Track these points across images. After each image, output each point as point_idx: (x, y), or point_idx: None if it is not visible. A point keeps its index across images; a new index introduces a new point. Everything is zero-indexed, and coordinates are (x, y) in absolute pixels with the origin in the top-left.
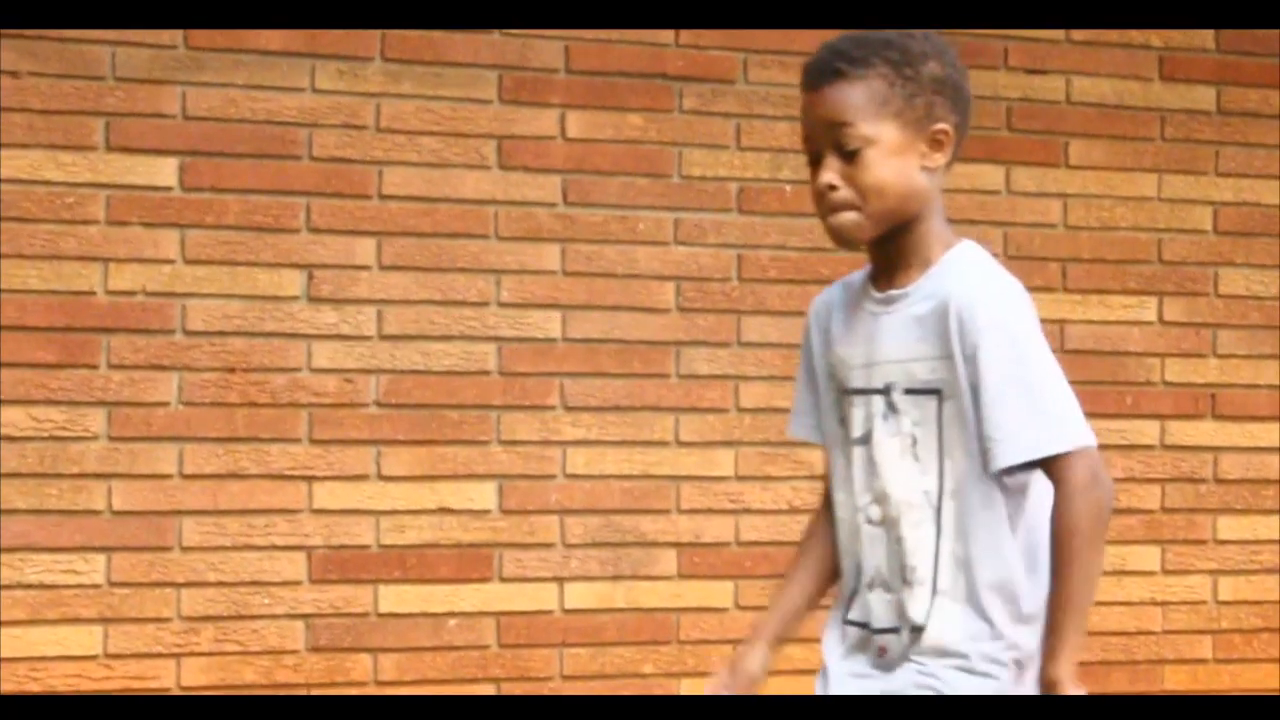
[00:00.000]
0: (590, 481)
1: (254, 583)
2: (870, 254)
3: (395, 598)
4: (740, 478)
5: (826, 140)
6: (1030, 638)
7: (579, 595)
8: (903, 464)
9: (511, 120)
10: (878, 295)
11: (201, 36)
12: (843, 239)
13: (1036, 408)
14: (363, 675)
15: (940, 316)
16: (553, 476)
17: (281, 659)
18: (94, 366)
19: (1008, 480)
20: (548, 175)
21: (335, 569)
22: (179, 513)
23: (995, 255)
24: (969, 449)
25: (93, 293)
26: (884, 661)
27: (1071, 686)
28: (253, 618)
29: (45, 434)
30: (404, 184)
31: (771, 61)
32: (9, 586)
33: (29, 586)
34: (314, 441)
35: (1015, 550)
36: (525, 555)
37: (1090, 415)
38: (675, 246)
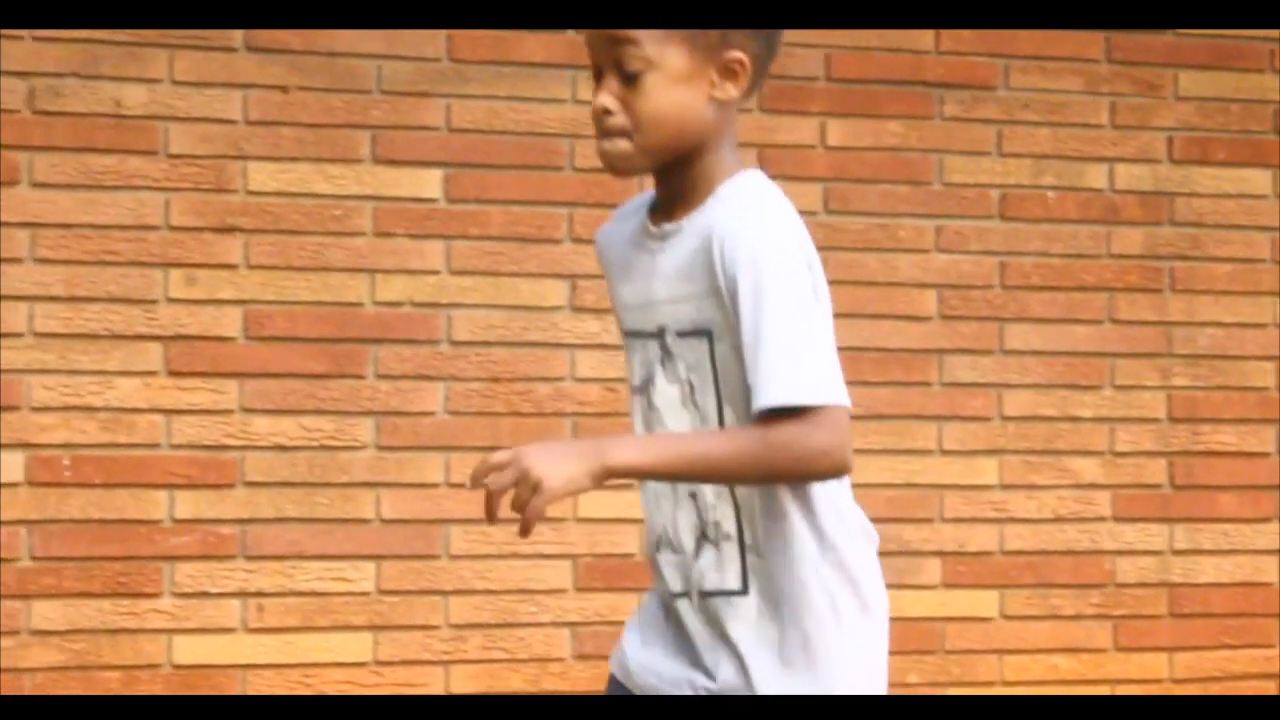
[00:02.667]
0: (854, 490)
1: (520, 591)
2: (655, 184)
3: None
4: (1004, 486)
5: (608, 57)
6: (861, 575)
7: None
8: (684, 413)
9: (772, 129)
10: (654, 230)
11: (465, 49)
12: (612, 168)
13: (795, 351)
14: None
15: (706, 250)
16: None
17: (548, 667)
18: (362, 377)
19: None
20: (808, 183)
21: (600, 577)
22: (446, 521)
23: (1263, 261)
24: (747, 391)
25: (360, 304)
26: (680, 634)
27: (570, 472)
28: (519, 625)
29: (315, 443)
30: None
31: (1032, 67)
32: (281, 594)
33: (301, 594)
34: None
35: (822, 493)
36: None
37: None
38: (937, 254)
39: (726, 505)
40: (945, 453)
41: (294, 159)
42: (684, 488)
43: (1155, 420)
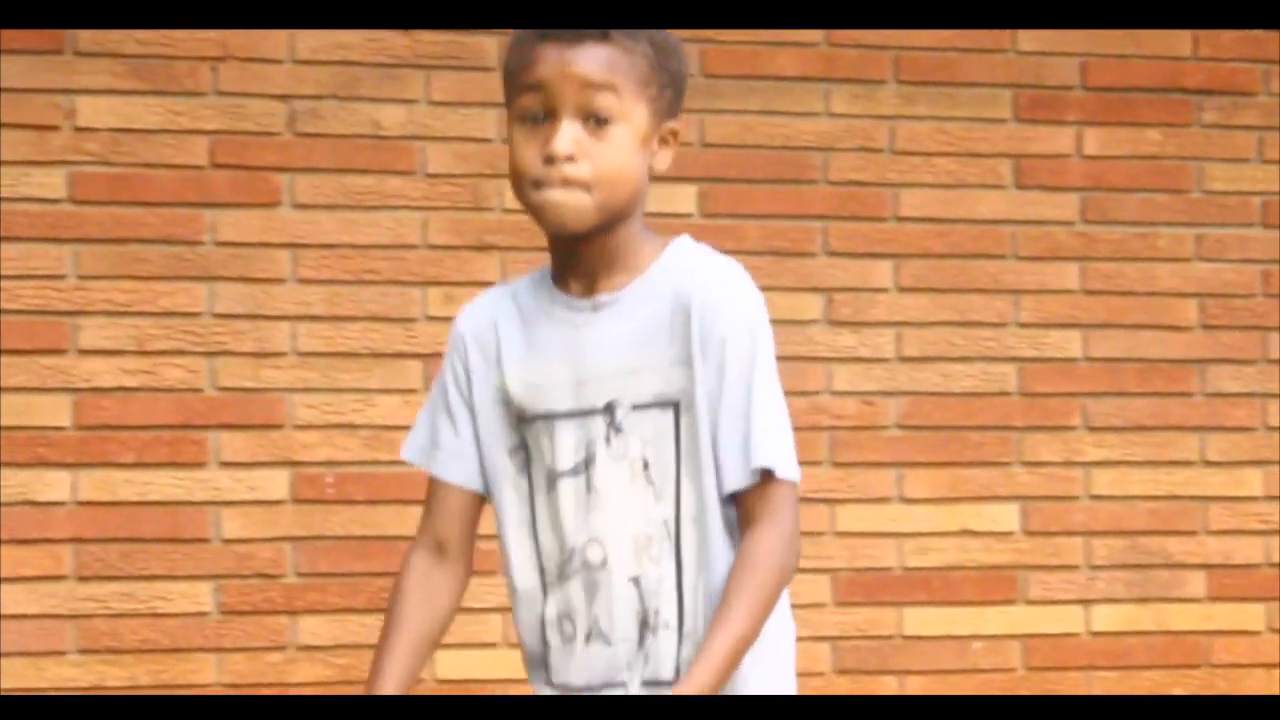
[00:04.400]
0: (1115, 502)
1: None
2: (564, 251)
3: (920, 620)
4: (1270, 498)
5: (573, 100)
6: (765, 679)
7: (1106, 618)
8: (633, 492)
9: (1028, 138)
10: (579, 302)
11: (718, 63)
12: (560, 222)
13: (783, 425)
14: None
15: (680, 317)
16: (1076, 497)
17: (808, 681)
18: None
19: None
20: (1065, 193)
21: (859, 591)
22: None
23: None
24: (707, 465)
25: None
26: None
27: None
28: None
29: None
30: (920, 205)
31: None
32: None
33: None
34: (835, 464)
35: None
36: (1050, 577)
37: None
38: (1197, 263)
39: (669, 592)
40: (1209, 464)
41: None
42: (623, 572)
43: None
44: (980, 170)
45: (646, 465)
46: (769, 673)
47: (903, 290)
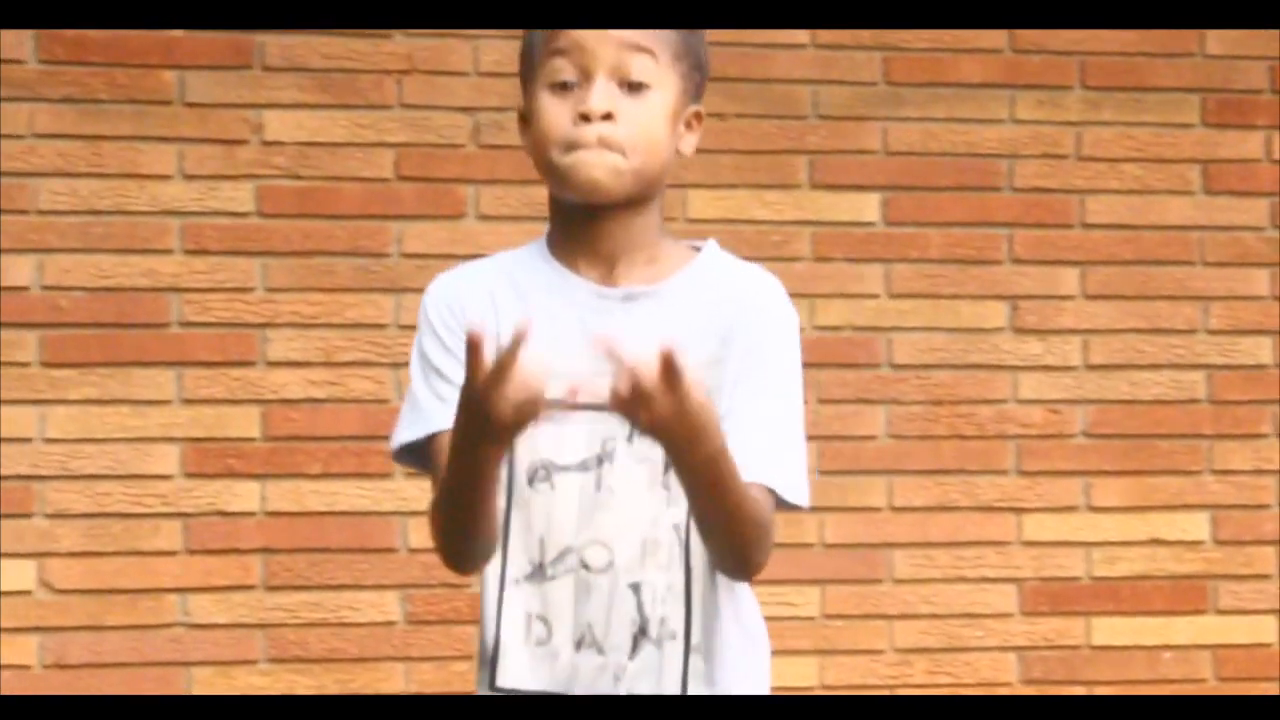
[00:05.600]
0: None
1: (965, 615)
2: (580, 228)
3: (1108, 630)
4: None
5: (609, 61)
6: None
7: None
8: (650, 494)
9: (1216, 144)
10: (607, 290)
11: (901, 71)
12: (592, 185)
13: (802, 453)
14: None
15: (720, 315)
16: (1268, 506)
17: (994, 691)
18: (805, 401)
19: None
20: (1255, 199)
21: (1046, 601)
22: (890, 545)
23: None
24: None
25: (802, 329)
26: None
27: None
28: (965, 650)
29: None
30: (1107, 212)
31: None
32: None
33: None
34: (1022, 473)
35: (747, 588)
36: (1241, 587)
37: None
38: None
39: (677, 600)
40: None
41: (732, 186)
42: (626, 578)
43: None
44: (1168, 176)
45: (666, 468)
46: (756, 671)
47: (1089, 297)
